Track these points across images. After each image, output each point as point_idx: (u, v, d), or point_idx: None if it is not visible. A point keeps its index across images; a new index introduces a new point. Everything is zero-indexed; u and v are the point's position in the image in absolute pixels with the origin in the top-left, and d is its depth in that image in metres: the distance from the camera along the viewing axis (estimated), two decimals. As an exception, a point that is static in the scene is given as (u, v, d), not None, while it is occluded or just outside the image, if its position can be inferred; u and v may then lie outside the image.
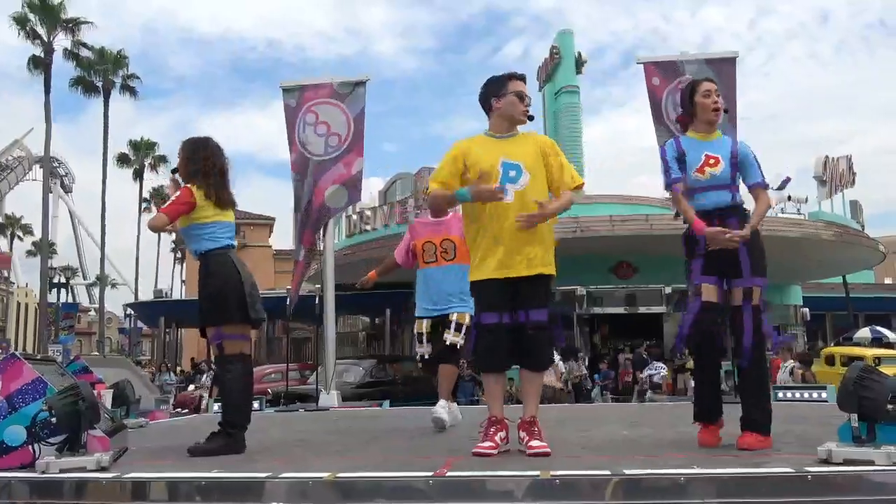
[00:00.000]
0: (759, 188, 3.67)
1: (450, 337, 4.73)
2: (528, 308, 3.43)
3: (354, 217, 21.73)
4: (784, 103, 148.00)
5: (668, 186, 3.66)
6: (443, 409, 4.71)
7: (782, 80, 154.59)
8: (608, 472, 2.61)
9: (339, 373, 10.55)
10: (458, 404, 5.44)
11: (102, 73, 33.18)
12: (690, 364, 13.74)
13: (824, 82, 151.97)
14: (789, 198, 20.28)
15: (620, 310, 17.44)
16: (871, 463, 2.59)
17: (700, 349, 3.53)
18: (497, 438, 3.53)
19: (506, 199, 3.42)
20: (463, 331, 4.69)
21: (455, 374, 5.03)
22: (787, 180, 3.82)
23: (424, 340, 4.88)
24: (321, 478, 2.67)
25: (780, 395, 6.70)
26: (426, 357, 4.89)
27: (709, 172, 3.56)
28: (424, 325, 4.88)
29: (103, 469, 2.93)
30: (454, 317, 4.75)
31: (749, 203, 3.71)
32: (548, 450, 3.33)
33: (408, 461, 3.31)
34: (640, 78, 7.84)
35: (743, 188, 3.75)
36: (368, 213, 21.67)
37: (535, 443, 3.41)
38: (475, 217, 3.57)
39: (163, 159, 46.65)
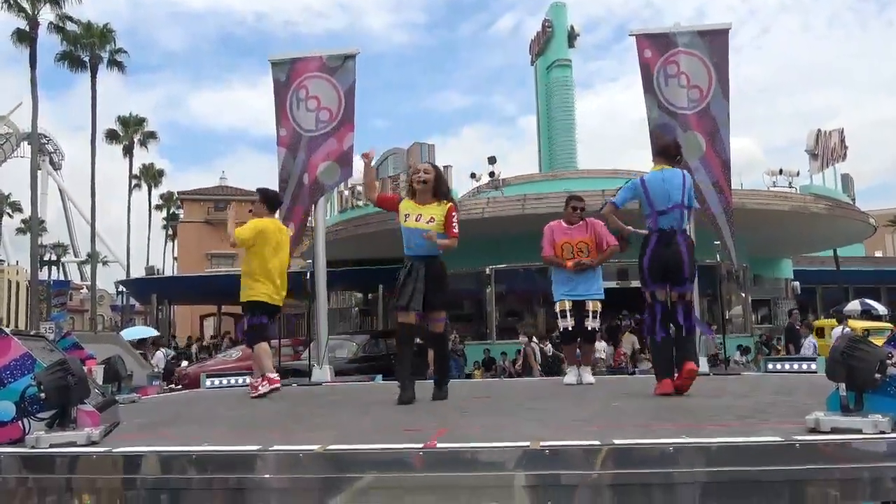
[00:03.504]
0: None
1: (590, 323, 6.05)
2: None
3: (346, 193, 21.61)
4: (777, 76, 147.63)
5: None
6: (581, 374, 6.18)
7: (776, 54, 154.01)
8: (598, 443, 2.62)
9: (332, 348, 10.56)
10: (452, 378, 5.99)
11: (89, 48, 32.65)
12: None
13: (817, 56, 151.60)
14: (780, 171, 20.26)
15: (612, 284, 17.49)
16: (859, 432, 2.61)
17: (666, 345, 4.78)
18: None
19: None
20: (598, 317, 6.05)
21: (594, 350, 6.87)
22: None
23: (568, 316, 6.03)
24: (311, 450, 2.66)
25: (770, 366, 6.75)
26: (569, 329, 6.05)
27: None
28: (567, 304, 6.05)
29: (93, 443, 2.91)
30: (590, 306, 6.03)
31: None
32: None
33: (399, 433, 3.31)
34: (633, 52, 7.79)
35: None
36: (360, 188, 21.56)
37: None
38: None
39: (152, 135, 46.30)
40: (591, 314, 6.05)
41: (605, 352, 15.57)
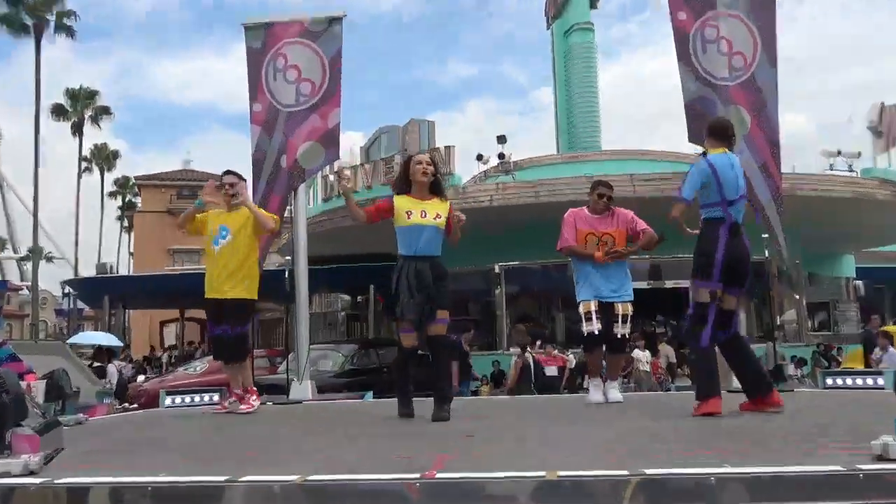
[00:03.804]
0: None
1: (619, 329, 5.86)
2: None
3: (332, 178, 21.61)
4: (832, 44, 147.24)
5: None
6: (606, 390, 6.07)
7: (830, 21, 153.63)
8: (626, 472, 2.60)
9: (314, 360, 10.55)
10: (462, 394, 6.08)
11: (33, 10, 32.67)
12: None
13: (876, 22, 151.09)
14: (839, 152, 20.23)
15: (643, 284, 17.51)
16: (934, 459, 2.59)
17: (713, 353, 4.83)
18: None
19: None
20: (629, 321, 5.90)
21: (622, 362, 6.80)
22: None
23: (594, 318, 5.86)
24: (289, 481, 2.65)
25: (830, 381, 6.73)
26: (596, 333, 5.86)
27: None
28: (593, 305, 5.89)
29: (32, 473, 2.90)
30: (620, 309, 5.87)
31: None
32: None
33: (392, 462, 3.30)
34: (665, 14, 7.76)
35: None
36: (348, 172, 21.36)
37: None
38: None
39: (105, 111, 46.37)
40: (620, 319, 5.88)
41: (649, 363, 15.45)
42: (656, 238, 5.93)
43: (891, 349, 12.32)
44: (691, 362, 5.20)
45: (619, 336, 5.93)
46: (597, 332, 5.89)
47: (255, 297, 6.23)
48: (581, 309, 5.98)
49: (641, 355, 15.09)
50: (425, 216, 5.08)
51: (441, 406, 4.96)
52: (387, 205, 5.25)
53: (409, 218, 5.08)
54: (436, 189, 5.27)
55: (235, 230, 6.15)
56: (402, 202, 5.15)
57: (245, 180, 6.63)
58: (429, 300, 4.99)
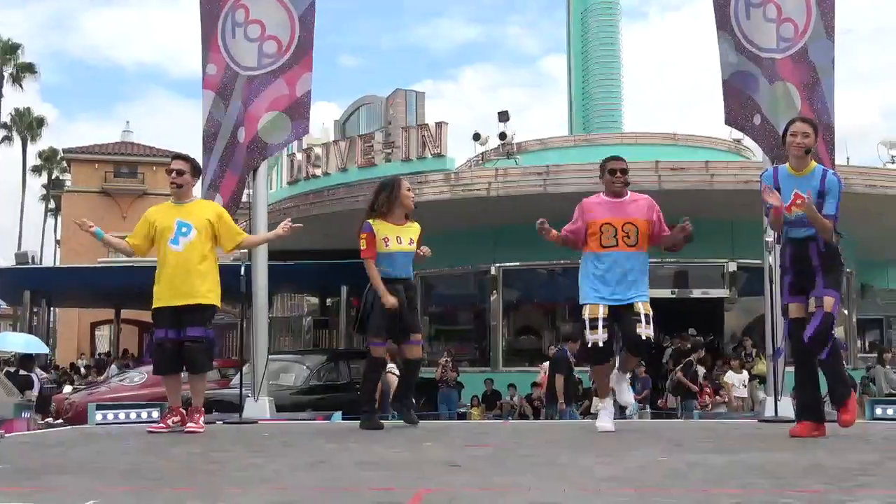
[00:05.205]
0: (828, 219, 5.39)
1: (643, 331, 5.76)
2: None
3: (299, 157, 21.59)
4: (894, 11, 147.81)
5: (766, 212, 5.74)
6: (611, 415, 6.20)
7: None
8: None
9: (274, 373, 10.56)
10: (440, 416, 6.27)
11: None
12: (760, 367, 13.98)
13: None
14: (900, 140, 20.33)
15: (666, 293, 17.59)
16: None
17: (799, 359, 5.48)
18: None
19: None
20: (651, 321, 5.81)
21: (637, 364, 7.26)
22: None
23: (600, 326, 5.78)
24: (239, 514, 2.68)
25: (879, 410, 6.80)
26: (601, 345, 5.79)
27: (795, 213, 5.39)
28: (601, 311, 5.82)
29: (-65, 498, 2.93)
30: (641, 307, 5.79)
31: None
32: None
33: (362, 495, 3.33)
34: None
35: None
36: (319, 150, 21.53)
37: None
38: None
39: (29, 69, 46.25)
40: (643, 318, 5.76)
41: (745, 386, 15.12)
42: (689, 231, 5.88)
43: None
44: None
45: (644, 338, 5.78)
46: (601, 344, 5.80)
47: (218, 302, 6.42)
48: (586, 314, 5.87)
49: (736, 378, 14.90)
50: (401, 242, 6.24)
51: (409, 411, 6.35)
52: (373, 237, 6.19)
53: (387, 245, 6.18)
54: (409, 213, 6.43)
55: (200, 226, 6.21)
56: (381, 229, 6.20)
57: (199, 171, 6.72)
58: (401, 321, 6.18)
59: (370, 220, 6.23)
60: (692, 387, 14.15)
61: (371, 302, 6.17)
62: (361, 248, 6.20)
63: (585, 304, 5.92)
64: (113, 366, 24.29)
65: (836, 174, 5.58)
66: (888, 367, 17.40)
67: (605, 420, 6.07)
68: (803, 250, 5.44)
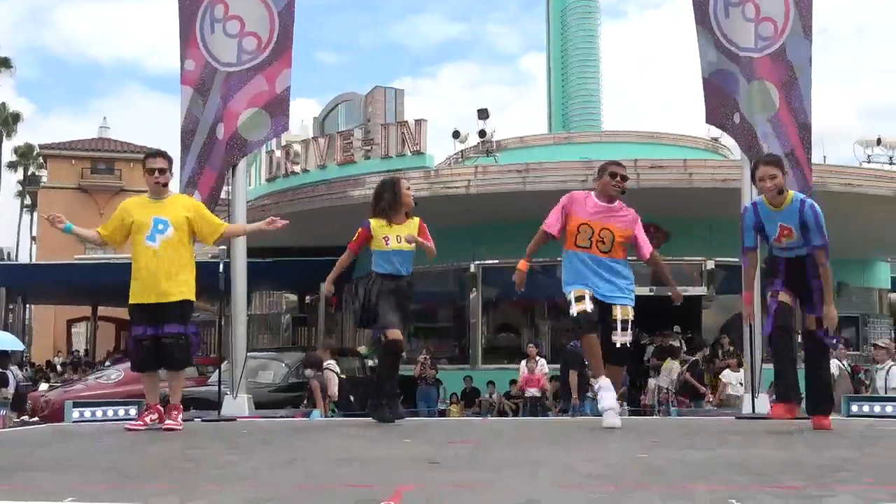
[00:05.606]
0: (817, 250, 5.53)
1: (618, 338, 5.81)
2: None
3: (278, 154, 21.52)
4: (873, 12, 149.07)
5: (742, 251, 5.95)
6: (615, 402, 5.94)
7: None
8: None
9: (252, 370, 10.53)
10: (419, 413, 6.31)
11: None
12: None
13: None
14: (878, 142, 20.52)
15: (645, 290, 17.61)
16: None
17: (779, 342, 5.53)
18: None
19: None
20: (629, 328, 5.84)
21: (622, 374, 6.78)
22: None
23: (587, 299, 5.77)
24: (217, 511, 2.67)
25: (855, 408, 6.86)
26: (589, 311, 5.74)
27: (785, 242, 5.60)
28: (587, 293, 5.81)
29: None
30: (619, 312, 5.83)
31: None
32: None
33: (340, 492, 3.32)
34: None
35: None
36: (298, 147, 21.48)
37: None
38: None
39: (5, 63, 45.81)
40: (619, 325, 5.78)
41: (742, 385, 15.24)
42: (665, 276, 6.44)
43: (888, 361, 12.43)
44: None
45: (618, 345, 5.80)
46: (589, 310, 5.75)
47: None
48: (572, 294, 5.83)
49: (733, 377, 14.94)
50: (400, 241, 6.29)
51: (395, 403, 6.43)
52: (366, 234, 6.36)
53: (387, 244, 6.29)
54: (408, 210, 6.49)
55: (177, 223, 6.16)
56: (379, 228, 6.32)
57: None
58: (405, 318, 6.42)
59: (371, 219, 6.40)
60: (700, 387, 14.21)
61: (370, 291, 6.33)
62: (352, 238, 6.44)
63: (572, 288, 5.89)
64: (108, 362, 24.08)
65: (812, 204, 5.56)
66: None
67: (612, 418, 5.80)
68: (797, 264, 5.63)
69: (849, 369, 16.45)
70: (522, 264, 6.14)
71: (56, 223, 6.21)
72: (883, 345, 13.73)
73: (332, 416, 10.59)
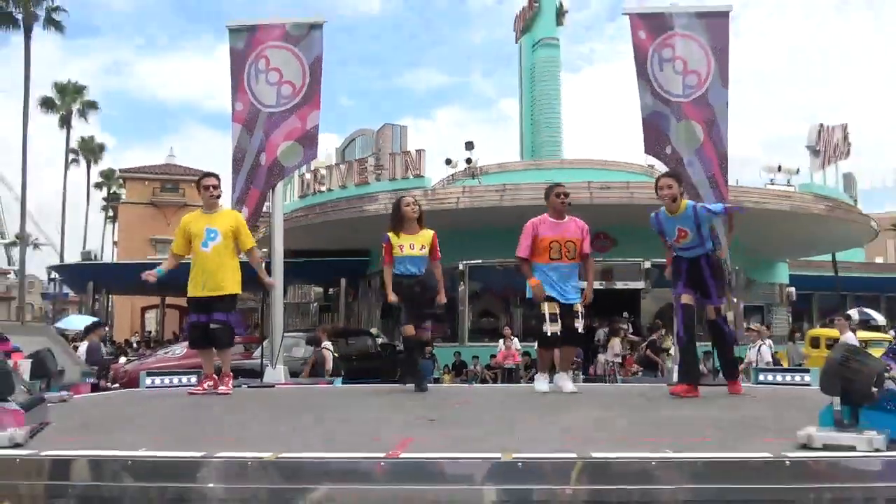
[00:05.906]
0: (722, 209, 5.78)
1: (579, 325, 6.03)
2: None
3: (308, 176, 21.47)
4: (781, 64, 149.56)
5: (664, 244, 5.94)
6: (561, 381, 6.09)
7: (780, 40, 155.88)
8: (574, 456, 2.64)
9: (287, 347, 10.49)
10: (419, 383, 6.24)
11: (22, 4, 31.93)
12: (668, 343, 14.11)
13: (823, 43, 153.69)
14: (779, 168, 20.57)
15: (596, 284, 17.61)
16: (853, 449, 2.67)
17: (684, 337, 5.63)
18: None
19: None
20: (581, 317, 6.05)
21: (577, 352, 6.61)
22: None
23: (558, 320, 5.92)
24: (261, 458, 2.65)
25: (762, 377, 6.86)
26: (557, 334, 5.92)
27: (682, 242, 5.66)
28: (557, 308, 5.93)
29: (17, 446, 2.86)
30: (579, 308, 6.01)
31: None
32: None
33: (358, 442, 3.31)
34: (626, 32, 7.82)
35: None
36: (324, 171, 21.43)
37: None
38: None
39: (92, 105, 45.46)
40: (580, 315, 6.03)
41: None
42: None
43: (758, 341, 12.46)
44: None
45: (581, 331, 6.07)
46: (558, 333, 5.92)
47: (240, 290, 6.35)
48: (546, 309, 5.91)
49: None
50: (413, 248, 6.28)
51: (422, 381, 6.26)
52: (388, 246, 6.34)
53: (402, 251, 6.26)
54: (421, 221, 6.40)
55: (225, 232, 6.14)
56: (395, 239, 6.29)
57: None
58: (420, 308, 6.28)
59: (389, 233, 6.34)
60: (657, 360, 14.22)
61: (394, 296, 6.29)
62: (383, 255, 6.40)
63: (546, 304, 5.94)
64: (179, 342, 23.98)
65: (703, 206, 5.71)
66: (797, 343, 17.62)
67: (542, 384, 6.14)
68: (695, 265, 5.66)
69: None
70: (533, 281, 5.98)
71: (150, 278, 6.16)
72: (754, 328, 13.82)
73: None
